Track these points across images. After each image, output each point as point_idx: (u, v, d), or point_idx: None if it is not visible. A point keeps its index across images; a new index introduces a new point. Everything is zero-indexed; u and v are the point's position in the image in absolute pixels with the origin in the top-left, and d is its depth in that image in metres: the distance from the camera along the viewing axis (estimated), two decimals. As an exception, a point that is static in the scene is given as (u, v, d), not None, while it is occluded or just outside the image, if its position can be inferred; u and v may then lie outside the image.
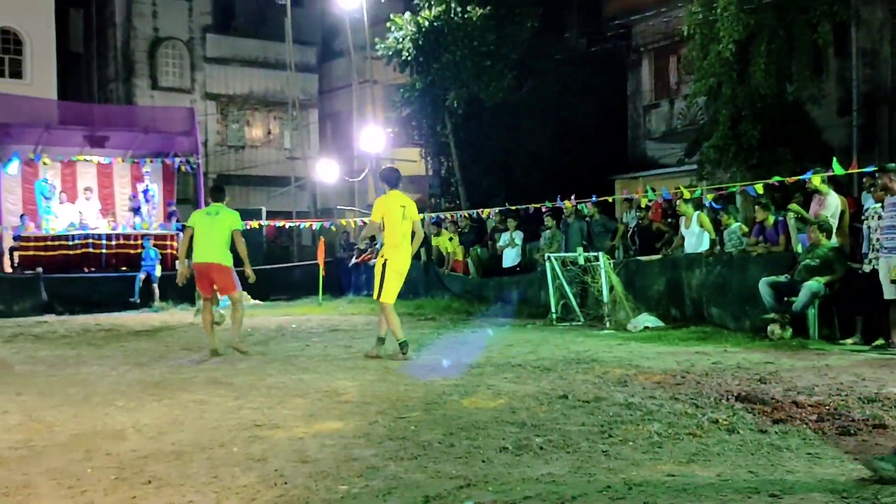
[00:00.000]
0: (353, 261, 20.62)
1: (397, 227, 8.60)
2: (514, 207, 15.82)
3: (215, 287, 9.50)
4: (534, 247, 15.97)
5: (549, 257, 13.15)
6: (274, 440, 5.00)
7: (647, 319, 11.25)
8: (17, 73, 25.72)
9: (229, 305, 9.87)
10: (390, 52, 22.51)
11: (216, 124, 30.11)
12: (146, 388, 7.06)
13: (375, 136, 23.41)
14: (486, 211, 17.23)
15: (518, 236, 16.07)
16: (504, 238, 16.22)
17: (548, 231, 15.32)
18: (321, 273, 18.63)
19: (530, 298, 14.47)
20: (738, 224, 11.52)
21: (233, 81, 30.26)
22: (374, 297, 8.89)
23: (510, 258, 16.11)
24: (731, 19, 13.55)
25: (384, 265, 8.68)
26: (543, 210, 15.40)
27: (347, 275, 20.97)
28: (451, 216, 18.95)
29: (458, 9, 21.41)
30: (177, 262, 10.28)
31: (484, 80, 21.38)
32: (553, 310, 12.79)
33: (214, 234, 9.31)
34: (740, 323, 10.36)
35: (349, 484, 4.05)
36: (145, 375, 7.83)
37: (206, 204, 10.39)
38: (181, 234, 21.60)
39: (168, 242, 20.03)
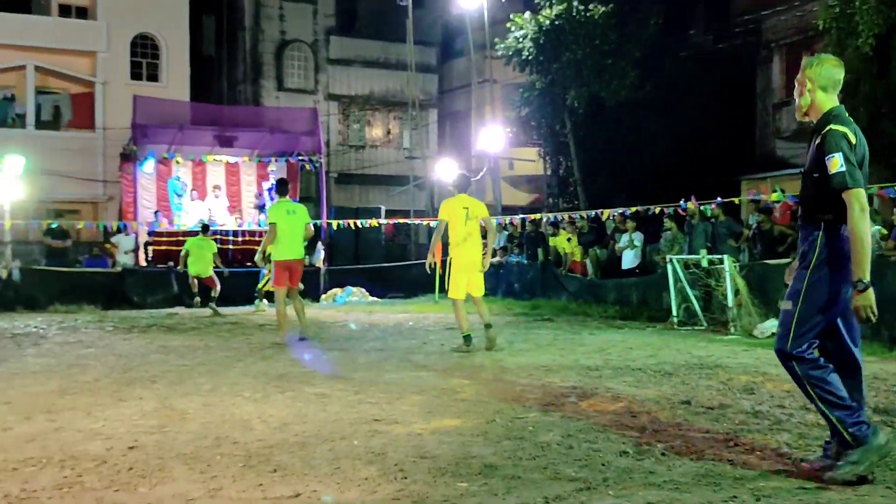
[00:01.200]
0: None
1: (460, 227, 9.25)
2: (635, 209, 15.51)
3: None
4: (654, 248, 15.61)
5: (670, 259, 12.82)
6: (393, 435, 5.05)
7: (775, 325, 10.80)
8: (153, 77, 26.99)
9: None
10: (510, 52, 22.48)
11: (338, 124, 30.78)
12: (270, 380, 7.27)
13: (494, 136, 23.42)
14: (606, 212, 16.96)
15: (638, 237, 15.75)
16: (623, 239, 15.93)
17: (668, 232, 14.95)
18: (438, 271, 18.74)
19: (650, 301, 14.15)
20: (878, 228, 10.93)
21: (354, 82, 30.86)
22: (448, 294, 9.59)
23: (629, 260, 15.80)
24: (870, 13, 12.90)
25: (450, 264, 9.51)
26: (665, 211, 15.03)
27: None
28: (569, 216, 18.75)
29: (580, 7, 21.19)
30: (257, 254, 10.95)
31: (605, 79, 21.09)
32: (674, 313, 12.46)
33: (297, 230, 10.24)
34: (877, 332, 9.82)
35: (468, 481, 4.05)
36: (269, 368, 8.08)
37: (289, 201, 10.84)
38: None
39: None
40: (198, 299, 16.47)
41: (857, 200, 3.88)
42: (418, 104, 28.49)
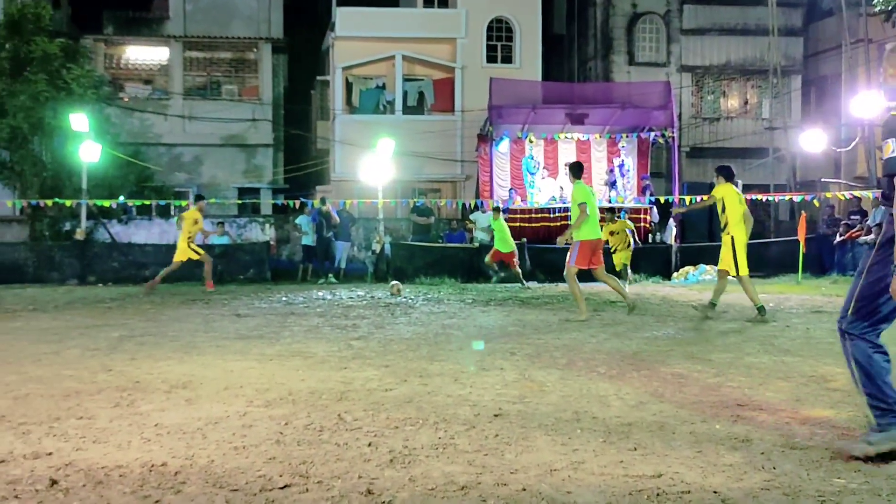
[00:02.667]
0: (839, 238, 18.98)
1: (737, 209, 10.36)
2: None
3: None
4: None
5: None
6: (758, 422, 4.78)
7: None
8: (507, 59, 28.07)
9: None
10: (890, 7, 20.17)
11: (691, 96, 29.80)
12: (624, 357, 7.24)
13: (868, 102, 21.16)
14: None
15: None
16: None
17: None
18: (801, 250, 17.47)
19: None
20: None
21: (709, 52, 29.63)
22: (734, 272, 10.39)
23: None
24: None
25: (732, 242, 10.35)
26: None
27: (831, 253, 19.35)
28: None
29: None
30: (566, 234, 10.67)
31: None
32: None
33: (596, 211, 10.66)
34: None
35: (845, 478, 3.71)
36: (622, 345, 8.05)
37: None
38: (654, 209, 22.03)
39: (641, 216, 20.44)
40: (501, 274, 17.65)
41: None
42: (780, 71, 26.64)
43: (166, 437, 4.47)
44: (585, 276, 10.81)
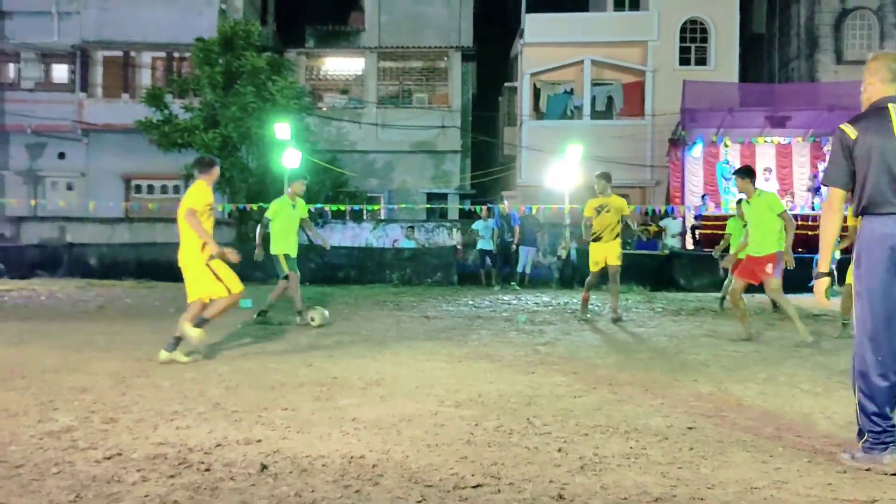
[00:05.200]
0: None
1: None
2: None
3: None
4: None
5: None
6: None
7: None
8: (701, 61, 27.11)
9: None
10: None
11: (905, 96, 27.60)
12: (831, 374, 6.78)
13: None
14: None
15: None
16: None
17: None
18: None
19: None
20: None
21: (929, 47, 27.35)
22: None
23: None
24: None
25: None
26: None
27: None
28: None
29: None
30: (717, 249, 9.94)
31: None
32: None
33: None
34: None
35: None
36: (828, 361, 7.53)
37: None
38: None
39: (844, 224, 19.10)
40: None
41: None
42: None
43: (363, 431, 4.64)
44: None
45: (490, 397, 5.64)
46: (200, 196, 7.28)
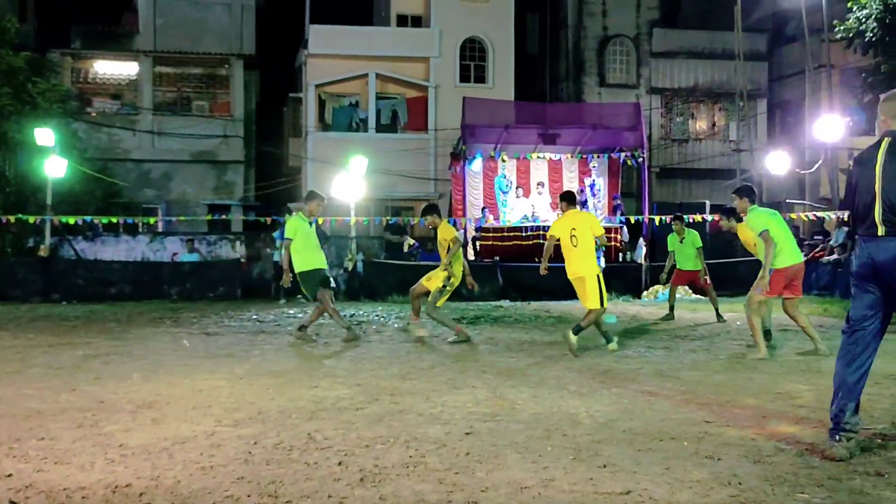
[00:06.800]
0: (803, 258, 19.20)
1: (785, 234, 8.83)
2: None
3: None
4: None
5: None
6: (725, 438, 4.84)
7: None
8: (480, 78, 28.19)
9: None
10: (851, 34, 20.61)
11: (660, 118, 30.12)
12: (595, 375, 7.26)
13: (831, 126, 21.49)
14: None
15: None
16: None
17: None
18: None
19: None
20: None
21: (678, 74, 30.02)
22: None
23: None
24: None
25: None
26: None
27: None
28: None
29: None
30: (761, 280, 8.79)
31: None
32: None
33: (787, 231, 9.04)
34: None
35: (809, 493, 3.78)
36: (593, 363, 8.07)
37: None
38: (624, 228, 22.18)
39: (612, 235, 20.50)
40: None
41: None
42: (746, 94, 27.05)
43: (131, 457, 4.40)
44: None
45: (271, 414, 5.54)
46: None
